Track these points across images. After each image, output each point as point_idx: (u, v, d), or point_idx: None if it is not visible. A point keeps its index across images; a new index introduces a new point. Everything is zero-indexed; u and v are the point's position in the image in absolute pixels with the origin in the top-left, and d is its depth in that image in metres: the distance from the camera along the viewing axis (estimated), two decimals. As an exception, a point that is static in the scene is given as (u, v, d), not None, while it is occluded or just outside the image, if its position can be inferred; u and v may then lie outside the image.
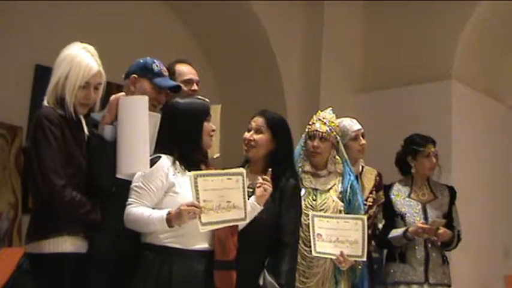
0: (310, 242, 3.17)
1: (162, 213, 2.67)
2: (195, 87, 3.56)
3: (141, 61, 3.12)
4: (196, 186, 2.65)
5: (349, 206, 3.35)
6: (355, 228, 3.20)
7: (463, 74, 5.42)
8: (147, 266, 2.72)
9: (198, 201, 2.64)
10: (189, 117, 2.88)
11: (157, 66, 3.11)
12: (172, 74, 3.48)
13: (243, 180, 2.79)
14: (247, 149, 3.14)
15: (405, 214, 3.95)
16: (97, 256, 2.79)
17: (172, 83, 3.16)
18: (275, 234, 3.03)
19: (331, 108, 3.56)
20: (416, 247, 3.88)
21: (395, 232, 3.88)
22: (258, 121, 3.15)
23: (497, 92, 5.81)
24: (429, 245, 3.88)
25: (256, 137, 3.13)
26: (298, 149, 3.47)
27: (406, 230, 3.85)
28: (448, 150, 5.10)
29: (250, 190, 2.98)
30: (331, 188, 3.37)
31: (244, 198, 2.77)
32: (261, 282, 2.97)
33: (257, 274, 2.99)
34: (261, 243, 3.01)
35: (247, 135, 3.15)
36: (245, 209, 2.77)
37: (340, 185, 3.39)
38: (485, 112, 5.61)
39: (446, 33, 5.39)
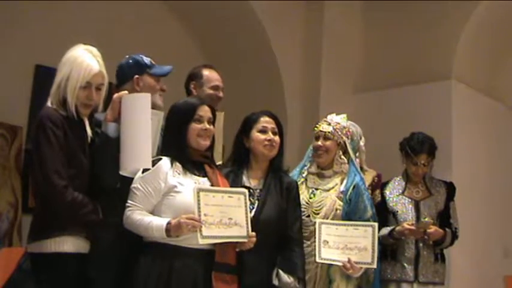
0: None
1: (162, 222, 2.71)
2: (220, 94, 3.66)
3: (131, 61, 3.19)
4: (198, 201, 2.70)
5: (350, 207, 3.35)
6: (364, 235, 3.22)
7: (463, 74, 5.42)
8: (147, 264, 2.74)
9: (199, 215, 2.68)
10: (173, 119, 2.94)
11: (146, 59, 3.20)
12: (200, 78, 3.56)
13: (245, 199, 2.85)
14: (270, 149, 3.16)
15: (397, 212, 3.95)
16: (100, 253, 2.80)
17: (168, 67, 3.22)
18: (282, 231, 3.07)
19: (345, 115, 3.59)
20: (407, 245, 3.88)
21: (384, 231, 3.89)
22: (272, 122, 3.19)
23: (497, 92, 5.80)
24: (420, 244, 3.88)
25: (277, 138, 3.18)
26: (308, 152, 3.54)
27: (393, 229, 3.85)
28: (448, 150, 5.09)
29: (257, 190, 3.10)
30: (332, 188, 3.40)
31: (246, 217, 2.82)
32: (276, 282, 2.99)
33: (265, 273, 3.01)
34: (270, 240, 3.03)
35: (270, 136, 3.15)
36: (247, 227, 2.81)
37: (342, 185, 3.41)
38: (485, 112, 5.61)
39: (446, 33, 5.39)
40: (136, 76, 3.13)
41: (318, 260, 3.16)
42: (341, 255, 3.18)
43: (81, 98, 2.79)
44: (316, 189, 3.39)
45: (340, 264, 3.19)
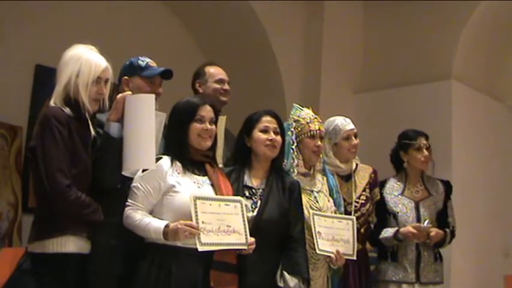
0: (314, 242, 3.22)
1: (160, 225, 2.71)
2: (226, 86, 3.68)
3: (127, 63, 3.22)
4: (195, 208, 2.71)
5: (335, 205, 3.47)
6: (346, 227, 3.32)
7: (463, 74, 5.42)
8: (146, 268, 2.74)
9: (197, 223, 2.69)
10: (175, 118, 2.94)
11: (142, 61, 3.21)
12: (203, 76, 3.59)
13: (242, 207, 2.86)
14: (272, 149, 3.15)
15: (397, 213, 3.94)
16: (101, 254, 2.80)
17: (160, 69, 3.20)
18: (284, 231, 3.08)
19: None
20: (408, 247, 3.88)
21: (387, 232, 3.88)
22: (274, 122, 3.18)
23: (497, 92, 5.81)
24: (421, 247, 3.87)
25: (278, 138, 3.17)
26: (290, 151, 3.42)
27: (397, 231, 3.84)
28: (448, 150, 5.10)
29: (260, 190, 3.10)
30: (320, 189, 3.43)
31: (244, 224, 2.82)
32: (281, 284, 2.99)
33: (267, 273, 3.01)
34: (272, 240, 3.04)
35: (272, 136, 3.14)
36: (246, 234, 2.82)
37: (326, 185, 3.48)
38: (485, 112, 5.61)
39: (446, 33, 5.39)
40: (126, 77, 3.17)
41: (317, 251, 3.19)
42: (331, 246, 3.23)
43: (92, 93, 2.81)
44: (311, 191, 3.39)
45: (332, 255, 3.22)
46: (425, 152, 3.95)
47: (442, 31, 5.41)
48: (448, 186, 4.07)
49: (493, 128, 5.65)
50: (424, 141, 3.96)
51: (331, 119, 3.82)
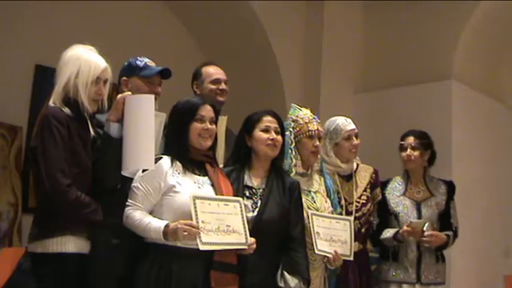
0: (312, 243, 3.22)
1: (160, 225, 2.71)
2: (223, 86, 3.66)
3: (126, 64, 3.24)
4: (195, 208, 2.71)
5: (332, 206, 3.45)
6: (344, 228, 3.31)
7: (463, 74, 5.42)
8: (147, 268, 2.75)
9: (197, 222, 2.69)
10: (175, 118, 2.95)
11: (140, 61, 3.23)
12: (199, 76, 3.59)
13: (241, 207, 2.86)
14: (273, 149, 3.15)
15: (399, 213, 3.94)
16: (101, 254, 2.80)
17: (158, 68, 3.20)
18: (284, 231, 3.07)
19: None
20: (409, 247, 3.88)
21: (388, 233, 3.88)
22: (275, 122, 3.17)
23: (497, 92, 5.81)
24: (421, 248, 3.88)
25: (279, 138, 3.16)
26: (289, 151, 3.41)
27: (397, 232, 3.85)
28: (448, 150, 5.09)
29: (260, 189, 3.09)
30: (318, 189, 3.42)
31: (243, 224, 2.83)
32: (281, 284, 2.99)
33: (267, 273, 3.01)
34: (273, 240, 3.03)
35: (273, 135, 3.14)
36: (245, 234, 2.82)
37: (323, 186, 3.47)
38: (485, 112, 5.61)
39: (446, 33, 5.39)
40: (124, 78, 3.17)
41: (316, 251, 3.19)
42: (329, 247, 3.23)
43: (91, 93, 2.82)
44: (308, 191, 3.39)
45: (330, 256, 3.22)
46: (408, 151, 3.97)
47: (442, 31, 5.41)
48: (450, 187, 4.07)
49: (493, 128, 5.65)
50: (410, 141, 3.98)
51: (333, 118, 3.82)
